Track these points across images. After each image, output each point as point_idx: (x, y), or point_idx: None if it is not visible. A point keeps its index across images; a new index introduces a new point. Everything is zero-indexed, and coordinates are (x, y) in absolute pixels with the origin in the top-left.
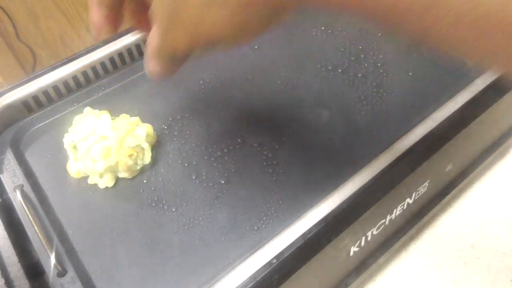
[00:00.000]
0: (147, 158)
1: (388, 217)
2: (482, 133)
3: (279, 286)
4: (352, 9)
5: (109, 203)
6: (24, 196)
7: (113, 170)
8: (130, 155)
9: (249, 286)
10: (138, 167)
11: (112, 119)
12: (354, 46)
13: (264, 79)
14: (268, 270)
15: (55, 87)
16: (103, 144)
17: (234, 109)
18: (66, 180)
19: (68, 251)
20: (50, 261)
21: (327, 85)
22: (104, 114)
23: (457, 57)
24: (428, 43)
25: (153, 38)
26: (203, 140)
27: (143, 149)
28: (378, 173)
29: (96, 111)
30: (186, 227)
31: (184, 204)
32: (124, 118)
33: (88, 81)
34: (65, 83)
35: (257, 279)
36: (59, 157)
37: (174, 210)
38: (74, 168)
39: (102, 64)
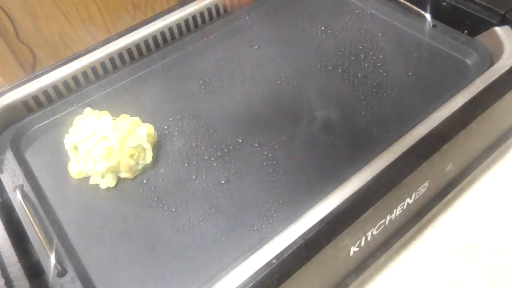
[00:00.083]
0: (149, 158)
1: (388, 217)
2: (482, 133)
3: (279, 286)
4: None
5: (110, 203)
6: (24, 196)
7: (115, 170)
8: (132, 155)
9: (249, 286)
10: (140, 167)
11: (112, 119)
12: (354, 46)
13: (264, 79)
14: (268, 270)
15: (55, 87)
16: (105, 145)
17: (234, 109)
18: (66, 180)
19: (68, 251)
20: (50, 261)
21: (327, 85)
22: (105, 115)
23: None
24: None
25: None
26: (203, 140)
27: (144, 149)
28: (378, 173)
29: (97, 111)
30: (186, 227)
31: (184, 204)
32: (124, 118)
33: (88, 81)
34: (65, 83)
35: (257, 279)
36: (59, 157)
37: (174, 210)
38: (76, 169)
39: (102, 64)
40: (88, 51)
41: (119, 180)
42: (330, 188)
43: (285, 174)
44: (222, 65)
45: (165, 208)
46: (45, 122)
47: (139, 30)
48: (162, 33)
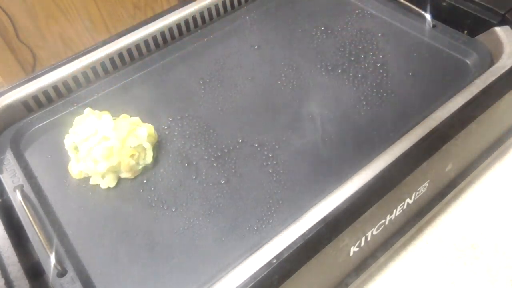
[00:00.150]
0: (149, 158)
1: (388, 217)
2: (482, 133)
3: (279, 286)
4: None
5: (110, 203)
6: (24, 196)
7: (115, 170)
8: (132, 155)
9: (249, 286)
10: (140, 167)
11: (113, 119)
12: (354, 46)
13: (264, 79)
14: (268, 270)
15: (55, 87)
16: (105, 145)
17: (234, 109)
18: (66, 180)
19: (68, 251)
20: (50, 261)
21: (327, 85)
22: (105, 115)
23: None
24: None
25: None
26: (203, 140)
27: (144, 149)
28: (378, 173)
29: (97, 111)
30: (186, 227)
31: (184, 204)
32: (124, 118)
33: (88, 81)
34: (65, 83)
35: (257, 279)
36: (59, 157)
37: (174, 210)
38: (76, 169)
39: (102, 64)
40: (88, 51)
41: (120, 180)
42: (330, 188)
43: (285, 174)
44: (222, 65)
45: (165, 208)
46: (45, 122)
47: (139, 30)
48: (162, 33)
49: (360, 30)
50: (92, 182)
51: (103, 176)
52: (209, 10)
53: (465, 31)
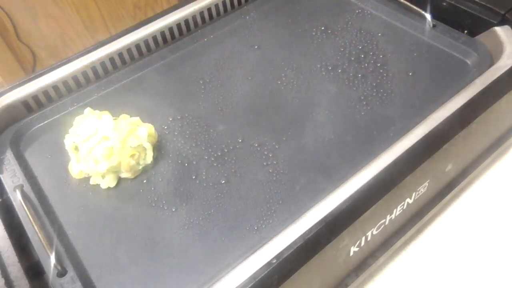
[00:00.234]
0: (149, 158)
1: (388, 217)
2: (482, 133)
3: (279, 286)
4: None
5: (110, 203)
6: (24, 196)
7: (116, 170)
8: (133, 155)
9: (249, 286)
10: (140, 167)
11: (113, 119)
12: (354, 46)
13: (264, 79)
14: (268, 270)
15: (55, 87)
16: (106, 145)
17: (234, 109)
18: (66, 180)
19: (68, 251)
20: (50, 261)
21: (327, 85)
22: (106, 115)
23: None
24: None
25: None
26: (203, 140)
27: (145, 149)
28: (378, 173)
29: (97, 111)
30: (186, 227)
31: (184, 204)
32: (125, 118)
33: (88, 81)
34: (65, 83)
35: (257, 279)
36: (59, 157)
37: (174, 210)
38: (76, 169)
39: (102, 64)
40: (88, 51)
41: (120, 180)
42: (330, 188)
43: (285, 174)
44: (222, 65)
45: (165, 208)
46: (45, 122)
47: (139, 30)
48: (162, 33)
49: (360, 30)
50: (92, 182)
51: (103, 176)
52: (209, 10)
53: (465, 31)
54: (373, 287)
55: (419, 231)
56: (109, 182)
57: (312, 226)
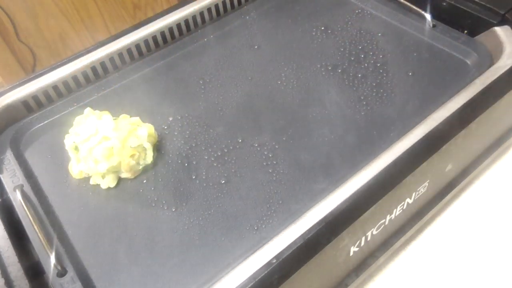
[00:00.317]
0: (149, 158)
1: (388, 217)
2: (482, 133)
3: (279, 286)
4: None
5: (110, 203)
6: (24, 196)
7: (116, 170)
8: (133, 155)
9: (249, 286)
10: (140, 167)
11: (113, 119)
12: (354, 46)
13: (264, 79)
14: (268, 270)
15: (55, 87)
16: (106, 145)
17: (234, 109)
18: (66, 180)
19: (68, 251)
20: (50, 261)
21: (327, 85)
22: (106, 115)
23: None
24: None
25: None
26: (203, 140)
27: (145, 149)
28: (378, 173)
29: (97, 111)
30: (186, 227)
31: (184, 204)
32: (125, 118)
33: (88, 81)
34: (65, 83)
35: (257, 279)
36: (59, 157)
37: (174, 210)
38: (76, 169)
39: (102, 64)
40: (88, 51)
41: (120, 180)
42: (330, 188)
43: (285, 174)
44: (222, 65)
45: (165, 208)
46: (45, 122)
47: (139, 30)
48: (162, 33)
49: (360, 30)
50: (92, 182)
51: (103, 176)
52: (209, 10)
53: (465, 31)
54: (373, 287)
55: (419, 231)
56: (109, 182)
57: (312, 226)
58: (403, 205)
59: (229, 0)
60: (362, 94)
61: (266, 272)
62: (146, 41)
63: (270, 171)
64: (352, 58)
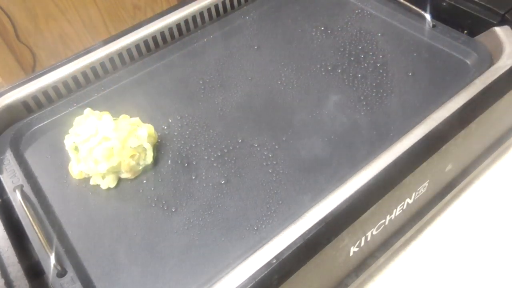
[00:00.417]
0: (149, 158)
1: (388, 217)
2: (482, 133)
3: (279, 286)
4: None
5: (110, 204)
6: (24, 196)
7: (116, 170)
8: (133, 156)
9: (249, 286)
10: (140, 168)
11: (113, 119)
12: (354, 46)
13: (264, 79)
14: (268, 270)
15: (54, 87)
16: (106, 145)
17: (234, 109)
18: (66, 181)
19: (68, 251)
20: (50, 261)
21: (327, 85)
22: (106, 115)
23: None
24: None
25: None
26: (203, 140)
27: (145, 149)
28: (378, 173)
29: (97, 112)
30: (186, 227)
31: (184, 204)
32: (124, 118)
33: (88, 81)
34: (65, 83)
35: (257, 279)
36: (59, 158)
37: (174, 210)
38: (76, 170)
39: (102, 64)
40: (88, 51)
41: (120, 180)
42: (330, 188)
43: (285, 174)
44: (222, 65)
45: (165, 208)
46: (45, 122)
47: (139, 30)
48: (162, 33)
49: (360, 30)
50: (92, 182)
51: (103, 177)
52: (209, 10)
53: (465, 31)
54: (373, 287)
55: (419, 231)
56: (109, 182)
57: (312, 226)
58: (403, 205)
59: (229, 0)
60: (362, 94)
61: (266, 272)
62: (146, 42)
63: (270, 171)
64: (352, 58)
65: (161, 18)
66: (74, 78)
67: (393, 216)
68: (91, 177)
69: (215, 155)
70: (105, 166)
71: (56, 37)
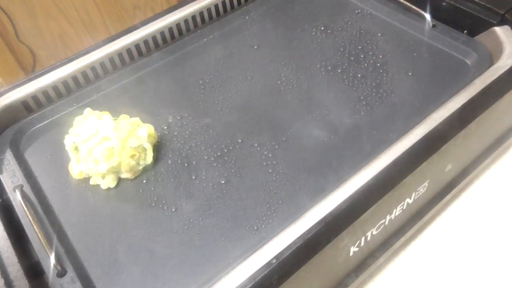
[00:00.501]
0: (149, 158)
1: (388, 217)
2: (482, 133)
3: (279, 286)
4: None
5: (110, 204)
6: (24, 196)
7: (116, 170)
8: (133, 156)
9: (249, 286)
10: (140, 167)
11: (113, 119)
12: (354, 46)
13: (264, 79)
14: (268, 270)
15: (54, 87)
16: (106, 145)
17: (234, 109)
18: (66, 181)
19: (68, 251)
20: (50, 261)
21: (327, 85)
22: (106, 115)
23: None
24: None
25: None
26: (203, 140)
27: (145, 149)
28: (378, 173)
29: (97, 112)
30: (186, 227)
31: (184, 204)
32: (124, 118)
33: (88, 81)
34: (65, 83)
35: (257, 279)
36: (59, 158)
37: (174, 210)
38: (76, 170)
39: (102, 64)
40: (88, 51)
41: (120, 180)
42: (330, 188)
43: (285, 174)
44: (222, 65)
45: (165, 208)
46: (45, 122)
47: (138, 30)
48: (162, 33)
49: (360, 30)
50: (92, 182)
51: (103, 177)
52: (209, 10)
53: (465, 31)
54: (373, 287)
55: (419, 231)
56: (109, 182)
57: (312, 226)
58: (403, 205)
59: (229, 0)
60: (362, 94)
61: (266, 272)
62: (145, 42)
63: (270, 171)
64: (352, 58)
65: (161, 18)
66: (74, 78)
67: (393, 216)
68: (91, 177)
69: (215, 155)
70: (105, 166)
71: (56, 37)
